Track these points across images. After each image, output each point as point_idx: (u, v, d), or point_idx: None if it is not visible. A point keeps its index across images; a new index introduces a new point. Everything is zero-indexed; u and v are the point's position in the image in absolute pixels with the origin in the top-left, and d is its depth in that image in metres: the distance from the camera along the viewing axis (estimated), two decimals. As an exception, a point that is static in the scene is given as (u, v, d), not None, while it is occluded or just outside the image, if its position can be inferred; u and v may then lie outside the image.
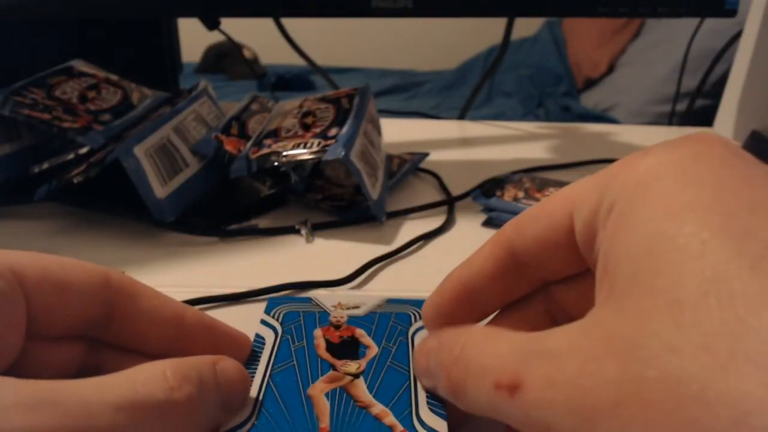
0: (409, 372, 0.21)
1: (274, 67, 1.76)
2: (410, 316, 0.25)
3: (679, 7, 0.49)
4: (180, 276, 0.33)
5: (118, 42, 0.63)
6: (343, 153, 0.36)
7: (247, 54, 1.52)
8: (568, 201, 0.18)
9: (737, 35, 0.64)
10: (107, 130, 0.41)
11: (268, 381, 0.21)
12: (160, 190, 0.36)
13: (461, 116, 0.72)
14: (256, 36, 1.27)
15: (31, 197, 0.36)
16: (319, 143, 0.38)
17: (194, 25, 0.56)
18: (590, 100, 1.56)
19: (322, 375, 0.21)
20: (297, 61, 0.71)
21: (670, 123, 1.01)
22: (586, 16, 0.51)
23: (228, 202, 0.42)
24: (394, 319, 0.24)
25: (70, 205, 0.38)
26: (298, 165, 0.38)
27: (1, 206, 0.40)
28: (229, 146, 0.41)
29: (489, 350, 0.16)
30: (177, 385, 0.16)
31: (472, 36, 1.89)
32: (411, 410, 0.19)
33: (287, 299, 0.26)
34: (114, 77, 0.47)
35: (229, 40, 0.70)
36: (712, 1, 0.50)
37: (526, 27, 1.93)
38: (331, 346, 0.23)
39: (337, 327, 0.24)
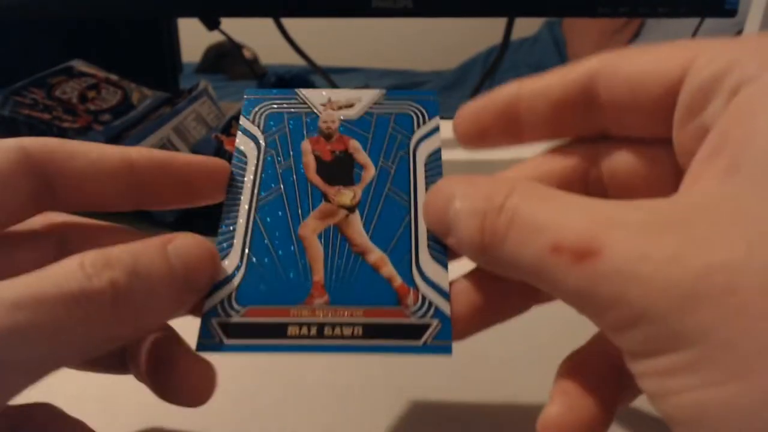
0: (409, 202, 0.19)
1: (274, 67, 1.76)
2: (412, 118, 0.22)
3: (679, 7, 0.49)
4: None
5: (118, 42, 0.63)
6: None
7: (247, 54, 1.52)
8: (687, 53, 0.16)
9: (737, 35, 0.64)
10: (107, 130, 0.41)
11: (255, 217, 0.19)
12: (160, 190, 0.36)
13: (461, 116, 0.72)
14: (256, 36, 1.27)
15: (31, 197, 0.36)
16: (319, 143, 0.38)
17: (194, 25, 0.56)
18: (590, 100, 1.56)
19: (313, 206, 0.19)
20: (297, 61, 0.71)
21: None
22: (586, 16, 0.50)
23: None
24: (393, 124, 0.21)
25: (70, 205, 0.38)
26: (298, 165, 0.38)
27: (1, 206, 0.40)
28: (229, 146, 0.41)
29: (548, 207, 0.14)
30: (95, 272, 0.14)
31: (472, 36, 1.89)
32: (410, 256, 0.18)
33: (268, 93, 0.22)
34: (114, 77, 0.47)
35: (229, 40, 0.69)
36: (712, 1, 0.50)
37: (526, 27, 1.92)
38: (321, 166, 0.20)
39: (328, 137, 0.21)
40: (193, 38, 0.98)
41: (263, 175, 0.20)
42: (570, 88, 0.18)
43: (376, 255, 0.18)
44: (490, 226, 0.15)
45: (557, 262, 0.13)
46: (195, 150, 0.40)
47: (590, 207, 0.14)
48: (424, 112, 0.22)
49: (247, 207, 0.19)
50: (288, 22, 0.63)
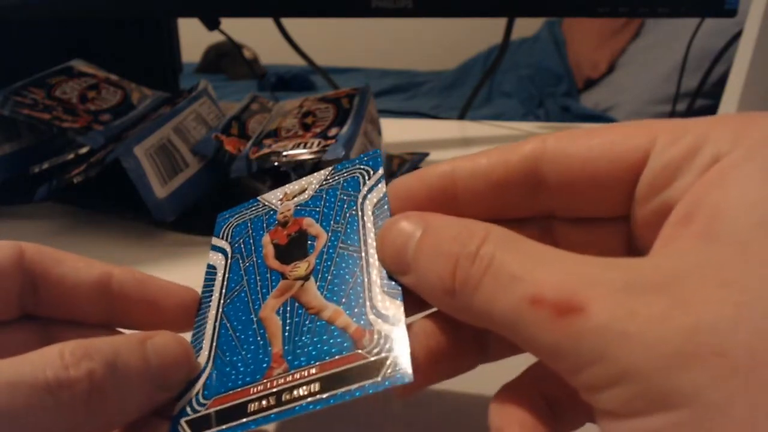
0: (360, 250, 0.19)
1: (274, 67, 1.76)
2: (359, 178, 0.22)
3: (679, 7, 0.49)
4: (180, 276, 0.33)
5: (118, 42, 0.63)
6: (343, 153, 0.36)
7: (247, 54, 1.52)
8: (647, 134, 0.16)
9: (737, 35, 0.64)
10: (107, 130, 0.41)
11: (221, 316, 0.20)
12: (160, 190, 0.36)
13: (461, 116, 0.72)
14: (256, 36, 1.27)
15: (31, 197, 0.36)
16: (319, 143, 0.38)
17: (194, 25, 0.56)
18: (590, 100, 1.56)
19: (273, 288, 0.20)
20: (297, 61, 0.71)
21: (670, 123, 1.00)
22: (586, 16, 0.51)
23: (228, 202, 0.42)
24: (342, 190, 0.22)
25: (70, 205, 0.38)
26: (298, 165, 0.38)
27: (1, 206, 0.40)
28: (229, 146, 0.41)
29: (525, 258, 0.14)
30: (74, 362, 0.14)
31: (472, 36, 1.89)
32: (364, 301, 0.18)
33: (236, 209, 0.24)
34: (114, 77, 0.47)
35: (229, 40, 0.69)
36: (712, 1, 0.50)
37: (526, 27, 1.93)
38: (279, 251, 0.21)
39: (285, 225, 0.22)
40: (193, 38, 0.99)
41: (229, 278, 0.21)
42: (512, 170, 0.18)
43: (330, 310, 0.18)
44: (463, 272, 0.15)
45: (536, 315, 0.13)
46: (195, 150, 0.40)
47: (569, 261, 0.14)
48: (369, 169, 0.22)
49: (215, 311, 0.20)
50: (288, 22, 0.63)
